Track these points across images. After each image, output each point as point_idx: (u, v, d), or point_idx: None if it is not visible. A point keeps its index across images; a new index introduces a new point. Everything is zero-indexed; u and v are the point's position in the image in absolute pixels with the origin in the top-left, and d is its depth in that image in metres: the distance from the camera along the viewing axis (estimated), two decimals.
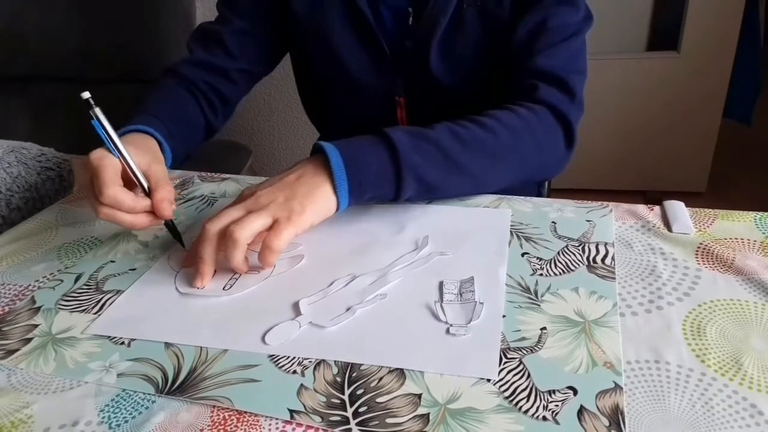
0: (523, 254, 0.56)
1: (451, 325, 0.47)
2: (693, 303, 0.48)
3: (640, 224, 0.59)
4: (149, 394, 0.43)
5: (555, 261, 0.54)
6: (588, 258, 0.54)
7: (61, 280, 0.57)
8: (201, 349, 0.47)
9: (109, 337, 0.49)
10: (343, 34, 0.77)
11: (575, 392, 0.40)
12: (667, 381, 0.41)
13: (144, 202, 0.57)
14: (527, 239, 0.58)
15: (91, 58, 1.32)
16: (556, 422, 0.38)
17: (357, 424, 0.39)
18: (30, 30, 1.32)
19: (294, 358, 0.45)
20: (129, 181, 0.57)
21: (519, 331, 0.46)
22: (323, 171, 0.57)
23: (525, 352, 0.44)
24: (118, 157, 0.56)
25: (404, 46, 0.76)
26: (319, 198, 0.55)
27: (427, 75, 0.76)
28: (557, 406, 0.40)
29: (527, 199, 0.65)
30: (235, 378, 0.44)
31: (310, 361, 0.45)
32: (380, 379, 0.43)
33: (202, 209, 0.69)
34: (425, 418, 0.39)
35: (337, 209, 0.57)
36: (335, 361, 0.45)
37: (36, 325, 0.51)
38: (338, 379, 0.43)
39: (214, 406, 0.42)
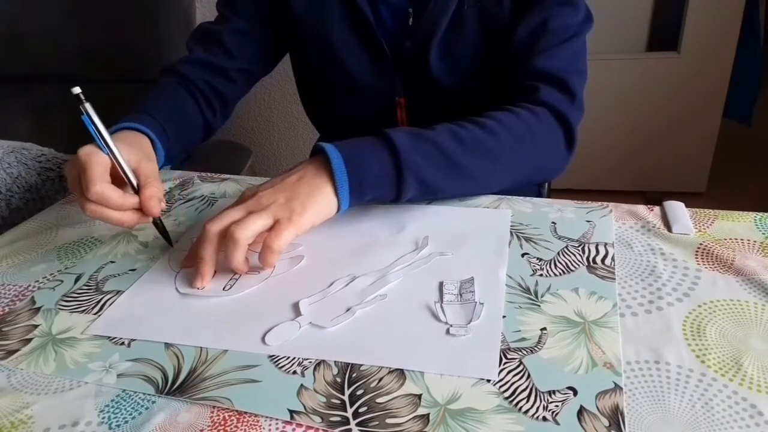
0: (523, 255, 0.56)
1: (451, 326, 0.47)
2: (693, 303, 0.48)
3: (640, 225, 0.59)
4: (149, 394, 0.43)
5: (555, 261, 0.54)
6: (588, 258, 0.54)
7: (61, 281, 0.57)
8: (201, 350, 0.47)
9: (109, 337, 0.49)
10: (343, 34, 0.77)
11: (575, 393, 0.40)
12: (667, 381, 0.41)
13: (132, 200, 0.56)
14: (527, 240, 0.58)
15: (91, 58, 1.32)
16: (556, 423, 0.38)
17: (357, 425, 0.39)
18: (30, 30, 1.32)
19: (294, 358, 0.45)
20: (119, 179, 0.57)
21: (519, 331, 0.46)
22: (324, 172, 0.57)
23: (525, 352, 0.44)
24: (108, 154, 0.56)
25: (404, 46, 0.76)
26: (320, 199, 0.55)
27: (427, 75, 0.76)
28: (557, 406, 0.40)
29: (527, 200, 0.65)
30: (235, 378, 0.44)
31: (310, 362, 0.45)
32: (380, 379, 0.43)
33: (202, 209, 0.69)
34: (425, 418, 0.39)
35: (338, 210, 0.57)
36: (335, 362, 0.45)
37: (36, 326, 0.51)
38: (338, 380, 0.43)
39: (214, 407, 0.42)
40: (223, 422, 0.41)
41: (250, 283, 0.54)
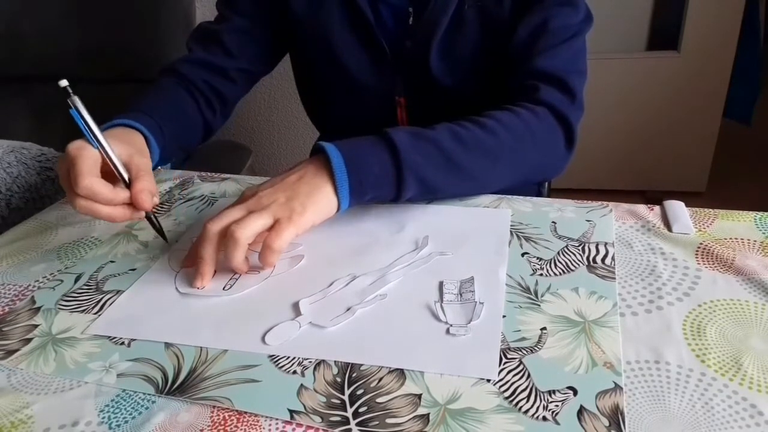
0: (523, 254, 0.56)
1: (451, 325, 0.47)
2: (693, 303, 0.48)
3: (640, 224, 0.59)
4: (149, 394, 0.43)
5: (555, 261, 0.54)
6: (588, 258, 0.54)
7: (61, 281, 0.57)
8: (201, 349, 0.47)
9: (109, 337, 0.49)
10: (343, 34, 0.77)
11: (575, 392, 0.40)
12: (667, 381, 0.41)
13: (123, 194, 0.55)
14: (527, 239, 0.58)
15: (91, 58, 1.32)
16: (556, 422, 0.38)
17: (357, 425, 0.39)
18: (30, 30, 1.32)
19: (294, 358, 0.45)
20: (111, 175, 0.56)
21: (519, 331, 0.46)
22: (324, 171, 0.57)
23: (525, 352, 0.44)
24: (97, 147, 0.55)
25: (404, 45, 0.76)
26: (321, 198, 0.55)
27: (428, 75, 0.76)
28: (557, 406, 0.40)
29: (527, 199, 0.65)
30: (235, 378, 0.44)
31: (310, 362, 0.45)
32: (380, 379, 0.43)
33: (202, 209, 0.69)
34: (425, 418, 0.39)
35: (338, 210, 0.57)
36: (335, 362, 0.45)
37: (36, 326, 0.51)
38: (338, 380, 0.43)
39: (214, 407, 0.42)
40: (223, 422, 0.41)
41: (250, 282, 0.54)
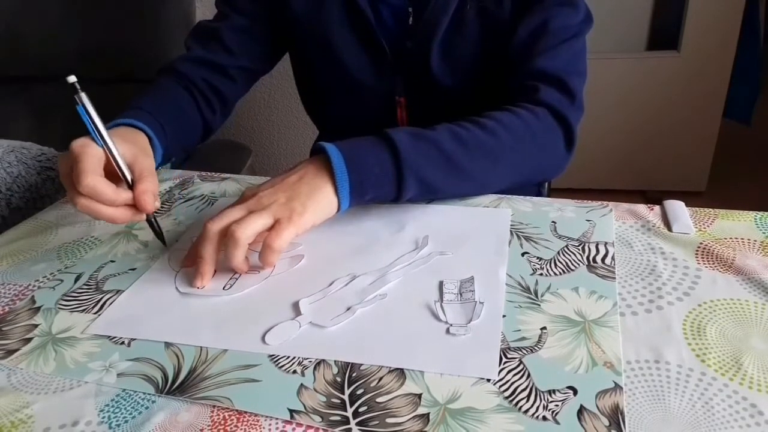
0: (523, 254, 0.56)
1: (451, 325, 0.47)
2: (693, 303, 0.48)
3: (640, 224, 0.59)
4: (149, 394, 0.43)
5: (555, 261, 0.54)
6: (588, 258, 0.54)
7: (61, 280, 0.57)
8: (201, 349, 0.47)
9: (109, 336, 0.49)
10: (342, 34, 0.77)
11: (575, 392, 0.40)
12: (667, 381, 0.41)
13: (125, 195, 0.54)
14: (527, 239, 0.58)
15: (91, 58, 1.32)
16: (556, 422, 0.38)
17: (357, 424, 0.39)
18: (30, 30, 1.32)
19: (294, 358, 0.45)
20: (113, 174, 0.55)
21: (519, 330, 0.46)
22: (325, 172, 0.57)
23: (525, 351, 0.44)
24: (102, 146, 0.54)
25: (405, 46, 0.76)
26: (321, 198, 0.55)
27: (428, 75, 0.76)
28: (557, 406, 0.40)
29: (527, 199, 0.65)
30: (235, 378, 0.44)
31: (310, 361, 0.45)
32: (380, 379, 0.43)
33: (202, 209, 0.69)
34: (425, 418, 0.39)
35: (338, 210, 0.57)
36: (335, 361, 0.45)
37: (36, 325, 0.51)
38: (338, 379, 0.43)
39: (214, 406, 0.42)
40: (223, 422, 0.41)
41: (250, 282, 0.54)
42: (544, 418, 0.39)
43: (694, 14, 1.76)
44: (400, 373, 0.43)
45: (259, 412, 0.41)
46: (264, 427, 0.40)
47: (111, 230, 0.65)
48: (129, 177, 0.55)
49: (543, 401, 0.40)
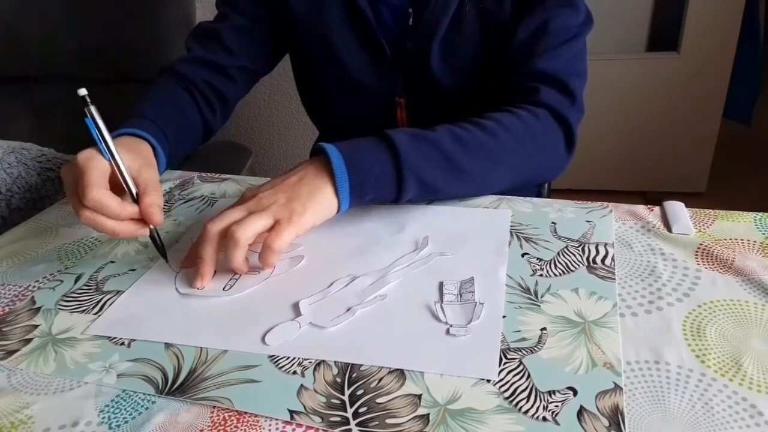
0: (523, 255, 0.56)
1: (451, 326, 0.47)
2: (693, 303, 0.48)
3: (640, 225, 0.59)
4: (149, 394, 0.43)
5: (555, 261, 0.54)
6: (588, 258, 0.54)
7: (61, 281, 0.57)
8: (201, 350, 0.47)
9: (109, 337, 0.49)
10: (342, 34, 0.77)
11: (575, 393, 0.40)
12: (667, 381, 0.41)
13: (130, 209, 0.54)
14: (527, 240, 0.58)
15: (91, 58, 1.32)
16: (556, 423, 0.38)
17: (357, 425, 0.39)
18: (30, 30, 1.32)
19: (294, 358, 0.45)
20: (117, 187, 0.55)
21: (519, 331, 0.46)
22: (325, 172, 0.57)
23: (525, 352, 0.44)
24: (109, 160, 0.54)
25: (405, 46, 0.76)
26: (321, 199, 0.55)
27: (428, 75, 0.76)
28: (557, 406, 0.40)
29: (527, 200, 0.65)
30: (235, 378, 0.44)
31: (310, 362, 0.45)
32: (380, 379, 0.43)
33: (202, 209, 0.69)
34: (425, 418, 0.39)
35: (338, 211, 0.57)
36: (335, 362, 0.45)
37: (36, 326, 0.51)
38: (338, 380, 0.43)
39: (214, 407, 0.42)
40: (223, 422, 0.41)
41: (250, 283, 0.54)
42: (544, 419, 0.39)
43: (694, 15, 1.76)
44: (400, 373, 0.43)
45: (259, 412, 0.41)
46: (264, 428, 0.40)
47: None
48: (134, 191, 0.55)
49: (543, 402, 0.40)
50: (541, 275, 0.52)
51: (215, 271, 0.55)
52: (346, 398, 0.42)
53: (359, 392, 0.42)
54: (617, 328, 0.46)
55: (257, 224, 0.52)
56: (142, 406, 0.42)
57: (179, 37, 1.28)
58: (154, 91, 0.76)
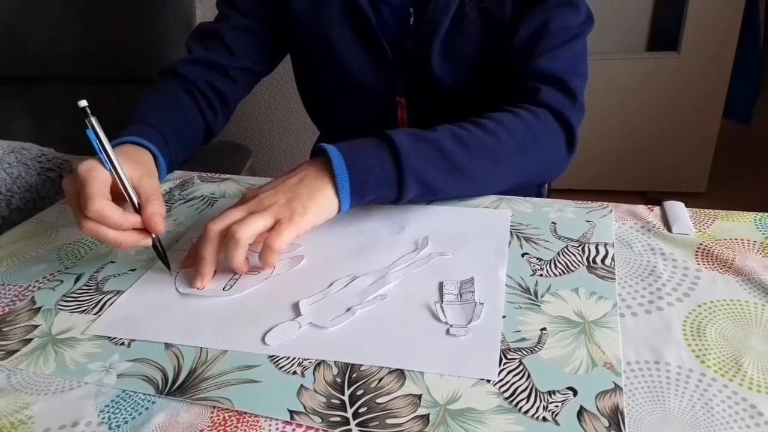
0: (523, 255, 0.56)
1: (451, 326, 0.47)
2: (693, 303, 0.48)
3: (640, 225, 0.59)
4: (149, 394, 0.43)
5: (555, 261, 0.54)
6: (588, 258, 0.54)
7: (61, 281, 0.57)
8: (201, 350, 0.47)
9: (109, 337, 0.49)
10: (343, 34, 0.77)
11: (575, 393, 0.40)
12: (667, 381, 0.41)
13: (132, 219, 0.54)
14: (527, 240, 0.58)
15: (91, 58, 1.32)
16: (556, 423, 0.38)
17: (357, 425, 0.39)
18: (30, 30, 1.32)
19: (294, 358, 0.45)
20: (118, 196, 0.55)
21: (519, 331, 0.46)
22: (325, 173, 0.57)
23: (525, 352, 0.44)
24: (110, 170, 0.54)
25: (405, 46, 0.76)
26: (321, 200, 0.55)
27: (429, 75, 0.76)
28: (557, 406, 0.40)
29: (527, 200, 0.65)
30: (235, 378, 0.44)
31: (310, 362, 0.45)
32: (380, 379, 0.43)
33: (202, 209, 0.69)
34: (425, 418, 0.39)
35: (339, 211, 0.57)
36: (335, 362, 0.45)
37: (36, 326, 0.51)
38: (338, 380, 0.43)
39: (214, 407, 0.42)
40: (223, 422, 0.41)
41: (250, 283, 0.54)
42: (544, 419, 0.39)
43: (694, 14, 1.76)
44: (400, 373, 0.43)
45: (259, 412, 0.41)
46: (264, 428, 0.40)
47: None
48: (136, 201, 0.55)
49: (543, 402, 0.40)
50: (541, 275, 0.52)
51: (215, 271, 0.55)
52: (346, 398, 0.42)
53: (359, 392, 0.42)
54: (617, 328, 0.46)
55: (258, 224, 0.52)
56: (142, 406, 0.42)
57: (179, 37, 1.28)
58: (155, 93, 0.76)
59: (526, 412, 0.39)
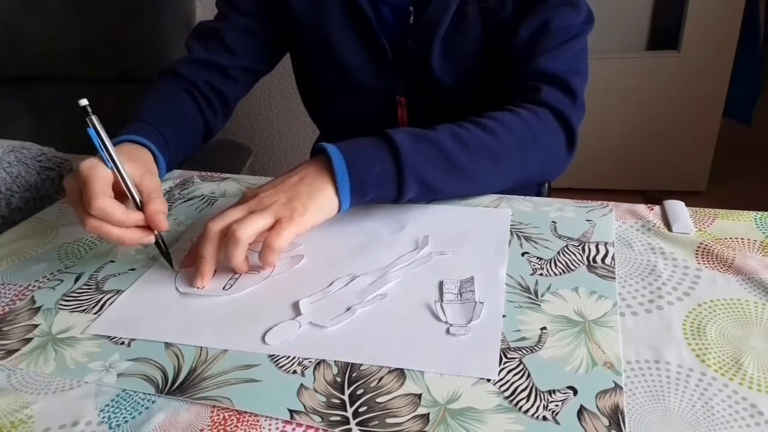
0: (523, 254, 0.56)
1: (451, 325, 0.47)
2: (693, 303, 0.48)
3: (640, 224, 0.59)
4: (149, 394, 0.43)
5: (555, 261, 0.54)
6: (588, 258, 0.54)
7: (61, 280, 0.57)
8: (201, 349, 0.47)
9: (109, 337, 0.49)
10: (343, 33, 0.77)
11: (575, 392, 0.40)
12: (667, 381, 0.41)
13: (135, 216, 0.54)
14: (527, 239, 0.58)
15: (91, 58, 1.32)
16: (556, 422, 0.38)
17: (357, 424, 0.39)
18: (30, 30, 1.32)
19: (294, 358, 0.45)
20: (120, 193, 0.55)
21: (519, 330, 0.46)
22: (325, 172, 0.57)
23: (525, 351, 0.44)
24: (112, 168, 0.54)
25: (405, 45, 0.76)
26: (321, 199, 0.55)
27: (429, 75, 0.76)
28: (557, 406, 0.40)
29: (527, 199, 0.65)
30: (235, 378, 0.44)
31: (310, 361, 0.45)
32: (380, 379, 0.43)
33: (202, 209, 0.69)
34: (425, 418, 0.39)
35: (339, 210, 0.57)
36: (335, 361, 0.45)
37: (36, 325, 0.51)
38: (338, 379, 0.43)
39: (214, 406, 0.42)
40: (223, 422, 0.41)
41: (250, 282, 0.54)
42: (544, 418, 0.39)
43: (694, 14, 1.76)
44: (400, 373, 0.43)
45: (259, 412, 0.41)
46: (264, 428, 0.40)
47: None
48: (138, 199, 0.55)
49: (543, 401, 0.40)
50: (542, 274, 0.52)
51: (215, 271, 0.55)
52: (346, 398, 0.42)
53: (359, 392, 0.42)
54: (617, 327, 0.46)
55: (258, 223, 0.52)
56: (142, 405, 0.42)
57: (179, 37, 1.28)
58: (155, 93, 0.76)
59: (527, 411, 0.39)
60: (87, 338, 0.49)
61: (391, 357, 0.44)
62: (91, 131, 0.53)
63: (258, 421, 0.40)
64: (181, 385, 0.44)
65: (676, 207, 0.60)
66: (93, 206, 0.51)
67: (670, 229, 0.57)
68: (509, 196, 0.65)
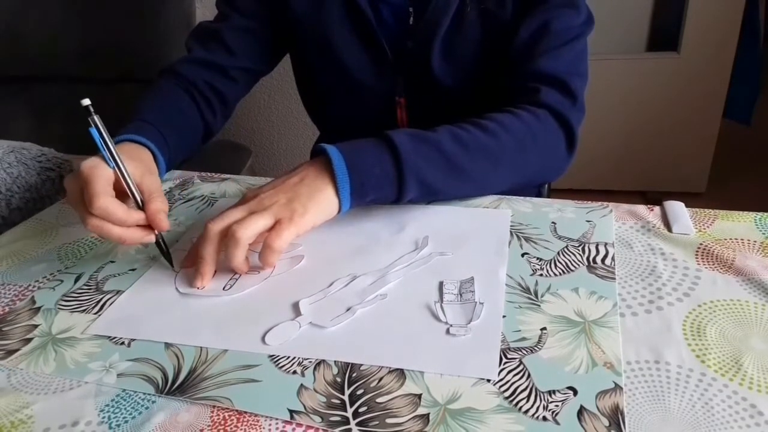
0: (523, 254, 0.56)
1: (451, 326, 0.47)
2: (693, 303, 0.48)
3: (640, 224, 0.59)
4: (149, 394, 0.43)
5: (555, 261, 0.54)
6: (588, 258, 0.54)
7: (61, 281, 0.57)
8: (201, 349, 0.47)
9: (109, 337, 0.49)
10: (343, 34, 0.77)
11: (575, 392, 0.40)
12: (667, 381, 0.41)
13: (136, 215, 0.54)
14: (527, 239, 0.58)
15: (91, 58, 1.32)
16: (556, 422, 0.38)
17: (357, 425, 0.39)
18: (30, 30, 1.32)
19: (294, 358, 0.45)
20: (121, 193, 0.55)
21: (519, 331, 0.46)
22: (326, 173, 0.57)
23: (525, 352, 0.44)
24: (113, 168, 0.54)
25: (405, 45, 0.76)
26: (322, 200, 0.55)
27: (428, 75, 0.76)
28: (557, 406, 0.40)
29: (527, 200, 0.65)
30: (235, 378, 0.44)
31: (310, 362, 0.45)
32: (380, 379, 0.43)
33: (202, 209, 0.69)
34: (425, 418, 0.39)
35: (339, 211, 0.57)
36: (335, 362, 0.45)
37: (36, 326, 0.51)
38: (338, 380, 0.43)
39: (214, 407, 0.42)
40: (223, 422, 0.41)
41: (250, 282, 0.54)
42: (544, 419, 0.39)
43: (694, 15, 1.76)
44: (400, 373, 0.43)
45: (259, 412, 0.41)
46: (264, 428, 0.40)
47: None
48: (139, 198, 0.56)
49: (543, 401, 0.40)
50: (541, 275, 0.52)
51: (215, 271, 0.55)
52: (346, 398, 0.42)
53: (359, 392, 0.42)
54: (617, 327, 0.46)
55: (258, 224, 0.52)
56: (142, 405, 0.42)
57: (179, 37, 1.28)
58: (155, 93, 0.76)
59: (526, 411, 0.39)
60: (87, 338, 0.49)
61: (391, 357, 0.44)
62: (93, 131, 0.53)
63: (258, 421, 0.40)
64: (181, 385, 0.44)
65: (676, 208, 0.60)
66: (95, 205, 0.51)
67: (670, 229, 0.57)
68: (509, 196, 0.65)
